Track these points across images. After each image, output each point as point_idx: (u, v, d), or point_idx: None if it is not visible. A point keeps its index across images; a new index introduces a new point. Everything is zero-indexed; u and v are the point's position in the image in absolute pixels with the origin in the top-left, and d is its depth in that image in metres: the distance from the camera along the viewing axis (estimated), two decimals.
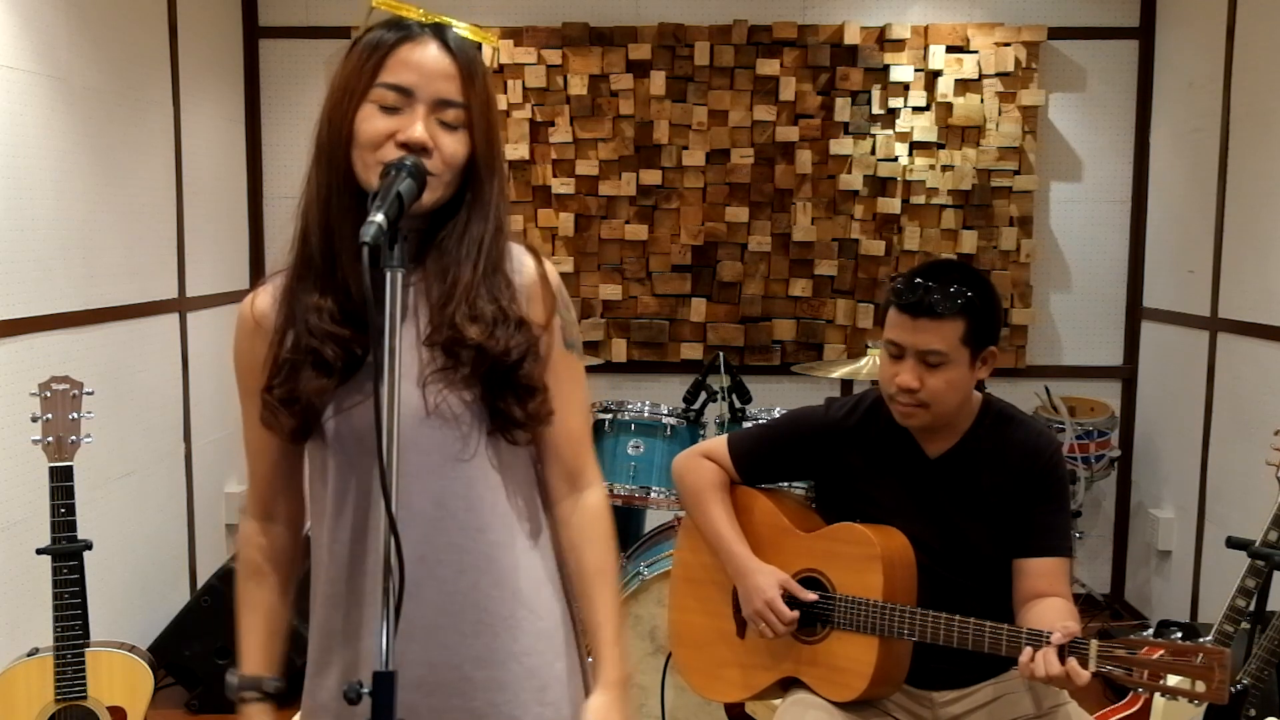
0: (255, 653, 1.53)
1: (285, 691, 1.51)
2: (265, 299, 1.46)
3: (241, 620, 1.54)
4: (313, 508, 1.50)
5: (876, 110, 4.41)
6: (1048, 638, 1.84)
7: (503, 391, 1.41)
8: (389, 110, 1.34)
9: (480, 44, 1.44)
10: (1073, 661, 1.81)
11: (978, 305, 2.02)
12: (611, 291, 4.52)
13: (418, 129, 1.33)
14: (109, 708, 2.60)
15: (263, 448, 1.50)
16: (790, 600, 2.12)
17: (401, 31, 1.37)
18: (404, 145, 1.33)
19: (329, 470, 1.44)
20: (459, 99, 1.36)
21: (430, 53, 1.36)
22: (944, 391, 2.03)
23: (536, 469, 1.52)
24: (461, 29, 1.41)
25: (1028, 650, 1.84)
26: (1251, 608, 2.46)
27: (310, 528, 1.51)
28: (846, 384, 4.44)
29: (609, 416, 3.42)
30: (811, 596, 2.11)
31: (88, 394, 2.58)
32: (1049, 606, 1.98)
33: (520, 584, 1.47)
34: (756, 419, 3.35)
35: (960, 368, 2.03)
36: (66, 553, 2.54)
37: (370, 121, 1.34)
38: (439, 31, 1.38)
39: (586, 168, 4.47)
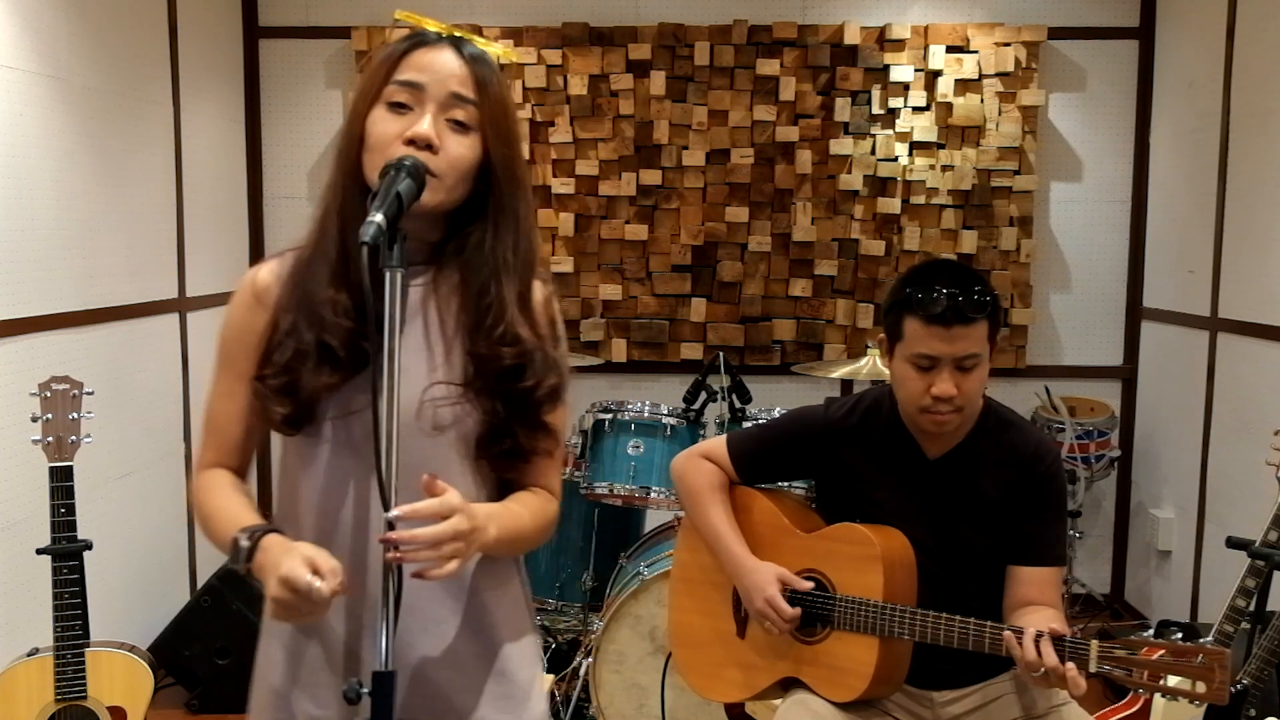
0: (251, 514, 1.42)
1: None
2: (269, 275, 1.45)
3: (223, 500, 1.45)
4: (283, 503, 1.48)
5: (876, 110, 4.41)
6: (1039, 635, 1.85)
7: (521, 420, 1.42)
8: (399, 109, 1.35)
9: (498, 60, 1.45)
10: (1071, 665, 1.81)
11: (995, 300, 2.04)
12: (611, 291, 4.52)
13: (424, 123, 1.34)
14: (109, 708, 2.60)
15: (238, 416, 1.47)
16: (792, 598, 2.12)
17: (417, 38, 1.39)
18: (410, 141, 1.33)
19: (318, 467, 1.42)
20: (470, 96, 1.37)
21: (444, 55, 1.38)
22: (977, 392, 2.06)
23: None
24: (478, 41, 1.42)
25: (1029, 648, 1.84)
26: (1251, 608, 2.46)
27: (276, 521, 1.47)
28: (846, 384, 4.44)
29: (609, 416, 3.42)
30: (807, 585, 2.12)
31: (88, 394, 2.58)
32: (1041, 616, 1.98)
33: (488, 625, 1.48)
34: (756, 419, 3.35)
35: (986, 364, 2.05)
36: (66, 553, 2.54)
37: (380, 123, 1.35)
38: (454, 41, 1.40)
39: (586, 168, 4.47)
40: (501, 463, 1.45)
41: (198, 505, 1.48)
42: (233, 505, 1.44)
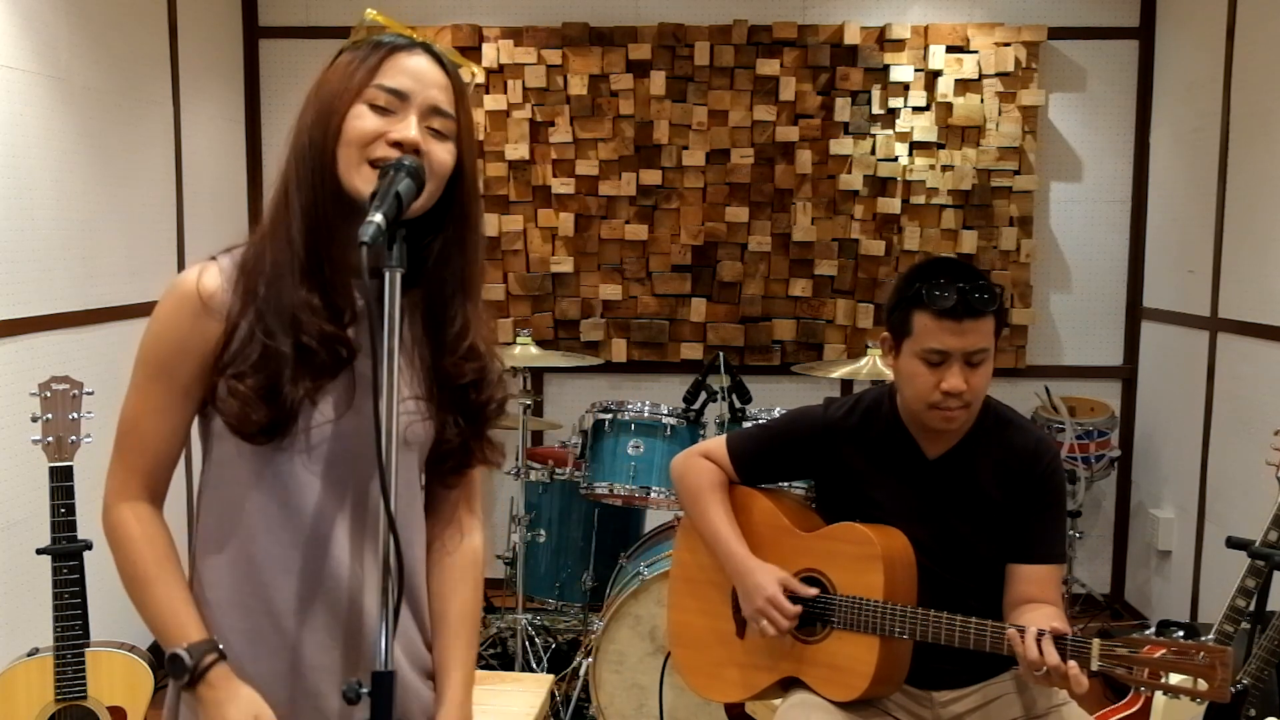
0: (195, 621, 1.37)
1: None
2: (215, 280, 1.36)
3: (165, 594, 1.38)
4: (222, 521, 1.40)
5: (876, 110, 4.41)
6: (1040, 633, 1.85)
7: (475, 434, 1.45)
8: (380, 111, 1.34)
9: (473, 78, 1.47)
10: (1073, 664, 1.81)
11: (1000, 295, 2.05)
12: (611, 291, 4.52)
13: (412, 129, 1.33)
14: (109, 708, 2.60)
15: (171, 433, 1.40)
16: (792, 599, 2.12)
17: (397, 41, 1.38)
18: (396, 144, 1.32)
19: (283, 480, 1.36)
20: (450, 110, 1.37)
21: (425, 63, 1.37)
22: (984, 387, 2.06)
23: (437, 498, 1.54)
24: (449, 54, 1.43)
25: (1030, 646, 1.84)
26: (1251, 608, 2.46)
27: (208, 534, 1.41)
28: (846, 384, 4.44)
29: (609, 416, 3.42)
30: (812, 592, 2.11)
31: (88, 394, 2.57)
32: (1042, 614, 1.98)
33: (424, 617, 1.49)
34: (756, 419, 3.35)
35: (992, 361, 2.05)
36: (66, 553, 2.54)
37: (361, 119, 1.33)
38: (430, 49, 1.40)
39: (586, 168, 4.47)
40: (447, 477, 1.48)
41: (128, 557, 1.41)
42: (173, 595, 1.38)
